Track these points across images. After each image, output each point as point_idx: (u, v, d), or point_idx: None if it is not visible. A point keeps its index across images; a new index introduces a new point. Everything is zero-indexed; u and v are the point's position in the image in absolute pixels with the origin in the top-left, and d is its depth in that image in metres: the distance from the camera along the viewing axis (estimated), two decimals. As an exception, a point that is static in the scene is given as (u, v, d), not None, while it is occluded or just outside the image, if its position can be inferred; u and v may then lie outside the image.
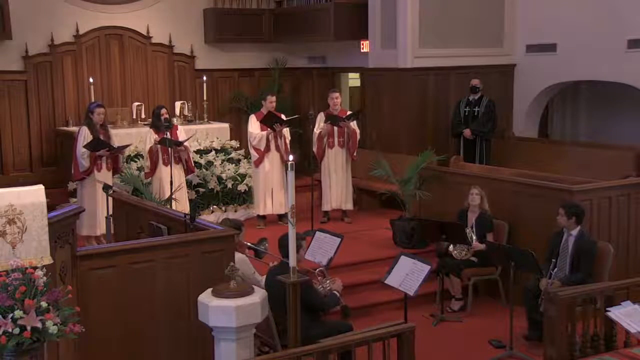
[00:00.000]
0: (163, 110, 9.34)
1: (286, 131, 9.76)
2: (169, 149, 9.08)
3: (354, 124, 9.80)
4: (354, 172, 10.16)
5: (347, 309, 6.65)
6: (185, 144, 9.28)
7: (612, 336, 5.97)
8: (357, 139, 9.88)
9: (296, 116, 10.11)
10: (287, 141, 9.77)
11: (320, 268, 6.59)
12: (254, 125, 9.69)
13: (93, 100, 10.68)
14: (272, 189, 9.73)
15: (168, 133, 9.05)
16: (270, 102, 9.69)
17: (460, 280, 7.90)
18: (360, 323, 6.50)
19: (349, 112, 9.92)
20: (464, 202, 8.09)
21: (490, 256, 7.51)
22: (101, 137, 8.95)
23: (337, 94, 9.90)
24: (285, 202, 9.65)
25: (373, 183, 10.36)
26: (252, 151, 9.77)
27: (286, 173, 9.06)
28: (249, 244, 6.81)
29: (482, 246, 7.65)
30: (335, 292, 6.31)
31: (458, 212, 8.10)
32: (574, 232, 6.96)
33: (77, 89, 12.03)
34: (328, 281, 6.39)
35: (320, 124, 9.82)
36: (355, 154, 9.89)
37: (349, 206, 10.08)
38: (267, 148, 9.66)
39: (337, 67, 13.27)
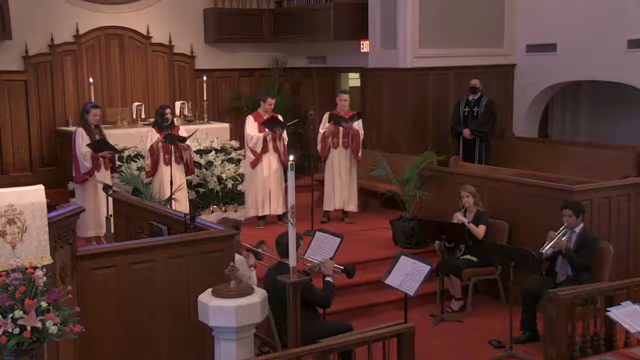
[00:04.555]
0: (167, 110, 9.34)
1: (284, 132, 9.76)
2: (171, 147, 9.08)
3: (357, 125, 9.80)
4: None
5: (349, 270, 6.53)
6: (188, 142, 9.29)
7: (612, 336, 5.97)
8: (361, 140, 9.87)
9: (296, 120, 10.11)
10: (285, 143, 9.77)
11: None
12: (250, 127, 9.67)
13: (93, 100, 10.69)
14: (270, 190, 9.72)
15: (170, 132, 9.07)
16: (269, 105, 9.68)
17: (460, 280, 7.90)
18: (360, 323, 6.50)
19: (352, 114, 9.91)
20: (459, 204, 8.10)
21: (490, 256, 7.52)
22: (97, 137, 8.95)
23: (347, 96, 9.90)
24: (283, 203, 9.65)
25: (373, 183, 10.36)
26: (248, 152, 9.77)
27: (285, 173, 9.06)
28: (248, 245, 6.80)
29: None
30: (328, 279, 6.29)
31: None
32: (577, 229, 6.98)
33: (77, 89, 12.04)
34: (319, 266, 6.33)
35: (325, 124, 9.82)
36: (359, 154, 9.87)
37: (353, 208, 10.04)
38: (265, 149, 9.65)
39: (337, 67, 13.26)
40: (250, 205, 9.86)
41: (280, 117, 9.80)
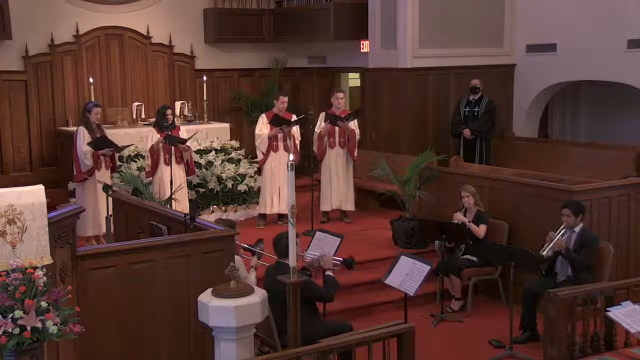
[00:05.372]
0: (168, 111, 9.34)
1: (295, 131, 9.76)
2: (171, 148, 9.09)
3: (353, 124, 9.80)
4: (354, 172, 10.15)
5: (348, 261, 6.51)
6: (188, 143, 9.30)
7: (612, 336, 5.97)
8: (356, 140, 9.87)
9: (303, 116, 10.13)
10: (297, 142, 9.78)
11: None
12: (261, 125, 9.70)
13: (93, 100, 10.70)
14: (280, 188, 9.73)
15: (170, 132, 9.08)
16: (282, 103, 9.70)
17: (460, 280, 7.90)
18: (360, 323, 6.50)
19: (349, 112, 9.93)
20: (459, 204, 8.10)
21: (490, 256, 7.52)
22: (98, 136, 8.96)
23: (342, 94, 9.91)
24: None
25: (373, 183, 10.36)
26: (257, 151, 9.80)
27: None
28: (245, 245, 6.80)
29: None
30: (329, 273, 6.29)
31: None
32: (577, 228, 6.98)
33: (77, 89, 12.04)
34: (318, 261, 6.33)
35: (321, 124, 9.83)
36: (355, 154, 9.88)
37: (350, 207, 10.05)
38: (276, 148, 9.67)
39: (337, 67, 13.27)
40: (262, 203, 9.89)
41: (294, 117, 9.79)
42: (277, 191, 9.73)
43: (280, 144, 9.69)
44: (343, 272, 7.12)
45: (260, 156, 9.74)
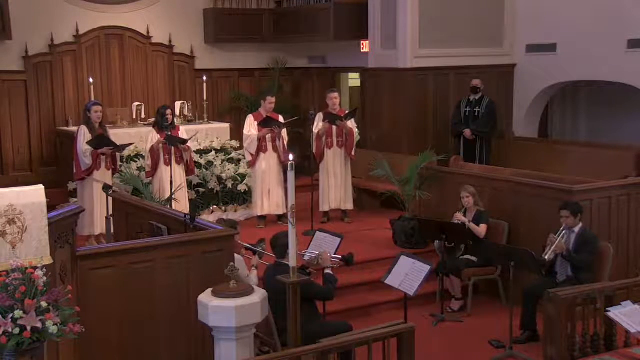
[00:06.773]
0: (168, 111, 9.34)
1: (284, 131, 9.76)
2: (171, 148, 9.09)
3: (351, 123, 9.80)
4: (354, 172, 10.15)
5: (347, 258, 6.51)
6: (189, 143, 9.30)
7: (612, 336, 5.97)
8: (354, 139, 9.86)
9: (295, 118, 10.11)
10: (285, 142, 9.78)
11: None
12: (248, 127, 9.69)
13: (93, 99, 10.71)
14: (270, 190, 9.73)
15: (170, 132, 9.08)
16: (269, 103, 9.69)
17: (460, 280, 7.90)
18: (360, 323, 6.49)
19: (347, 112, 9.93)
20: (459, 204, 8.10)
21: (490, 256, 7.51)
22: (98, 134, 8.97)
23: (336, 94, 9.90)
24: (283, 203, 9.68)
25: (373, 183, 10.36)
26: (245, 152, 9.79)
27: (284, 173, 9.06)
28: (247, 244, 6.80)
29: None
30: (328, 272, 6.29)
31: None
32: (577, 228, 6.99)
33: (77, 89, 12.04)
34: (317, 259, 6.34)
35: (319, 124, 9.82)
36: (353, 153, 9.87)
37: (349, 206, 10.06)
38: (265, 149, 9.67)
39: (337, 67, 13.26)
40: (254, 204, 9.89)
41: (281, 118, 9.80)
42: (267, 192, 9.73)
43: (270, 145, 9.69)
44: (343, 273, 7.13)
45: (248, 157, 9.73)
